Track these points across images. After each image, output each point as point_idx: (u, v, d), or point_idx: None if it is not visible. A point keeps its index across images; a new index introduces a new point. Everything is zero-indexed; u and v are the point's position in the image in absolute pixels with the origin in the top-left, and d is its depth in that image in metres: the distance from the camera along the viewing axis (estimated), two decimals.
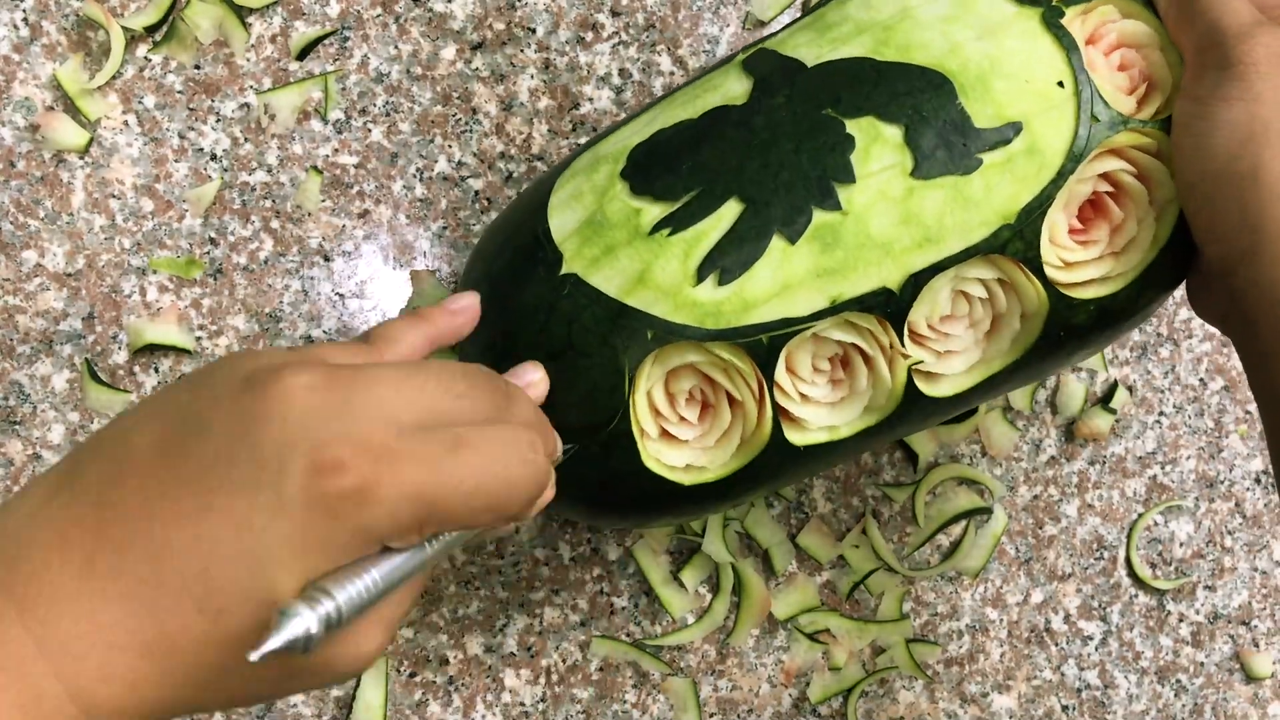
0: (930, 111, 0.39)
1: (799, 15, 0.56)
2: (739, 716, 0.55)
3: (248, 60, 0.53)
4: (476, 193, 0.54)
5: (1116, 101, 0.40)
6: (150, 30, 0.52)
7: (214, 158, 0.53)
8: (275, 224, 0.53)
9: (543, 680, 0.54)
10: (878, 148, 0.39)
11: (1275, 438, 0.39)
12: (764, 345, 0.39)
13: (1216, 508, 0.59)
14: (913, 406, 0.42)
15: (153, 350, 0.52)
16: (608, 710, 0.54)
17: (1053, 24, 0.40)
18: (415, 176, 0.54)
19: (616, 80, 0.55)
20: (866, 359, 0.41)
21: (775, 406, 0.40)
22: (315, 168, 0.53)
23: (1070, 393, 0.58)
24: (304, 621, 0.26)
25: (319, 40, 0.53)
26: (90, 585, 0.27)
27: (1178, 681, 0.59)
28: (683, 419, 0.41)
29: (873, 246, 0.39)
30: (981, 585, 0.57)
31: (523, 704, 0.54)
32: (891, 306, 0.40)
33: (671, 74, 0.55)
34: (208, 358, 0.52)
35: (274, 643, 0.26)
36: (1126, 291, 0.42)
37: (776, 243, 0.39)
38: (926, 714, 0.57)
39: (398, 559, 0.30)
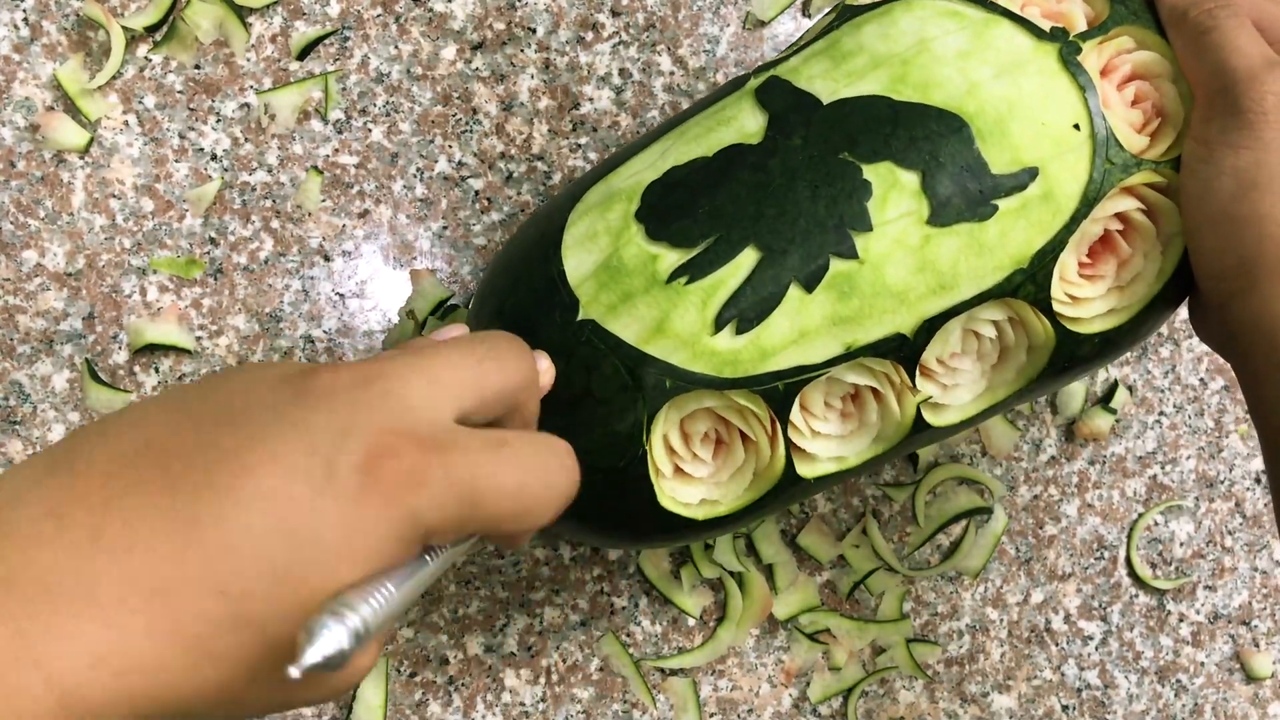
0: (947, 157, 0.39)
1: (799, 15, 0.56)
2: (739, 716, 0.55)
3: (248, 60, 0.53)
4: (477, 193, 0.54)
5: (1130, 142, 0.40)
6: (150, 30, 0.52)
7: (214, 158, 0.53)
8: (276, 224, 0.53)
9: (543, 680, 0.54)
10: (895, 194, 0.39)
11: (1272, 465, 0.40)
12: (780, 392, 0.40)
13: (1217, 507, 0.59)
14: (919, 434, 0.42)
15: (153, 350, 0.52)
16: (608, 710, 0.54)
17: (1070, 61, 0.40)
18: (415, 176, 0.54)
19: (617, 80, 0.55)
20: (877, 395, 0.42)
21: (788, 443, 0.41)
22: (315, 168, 0.53)
23: (1070, 393, 0.58)
24: (336, 637, 0.24)
25: (319, 40, 0.53)
26: (92, 564, 0.25)
27: (1178, 681, 0.59)
28: (696, 456, 0.42)
29: (888, 295, 0.39)
30: (982, 585, 0.57)
31: (523, 704, 0.54)
32: (905, 350, 0.40)
33: (671, 74, 0.55)
34: (208, 358, 0.52)
35: (313, 656, 0.24)
36: (1131, 323, 0.42)
37: (794, 291, 0.39)
38: (927, 714, 0.57)
39: (422, 570, 0.29)
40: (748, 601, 0.55)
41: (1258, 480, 0.60)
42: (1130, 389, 0.58)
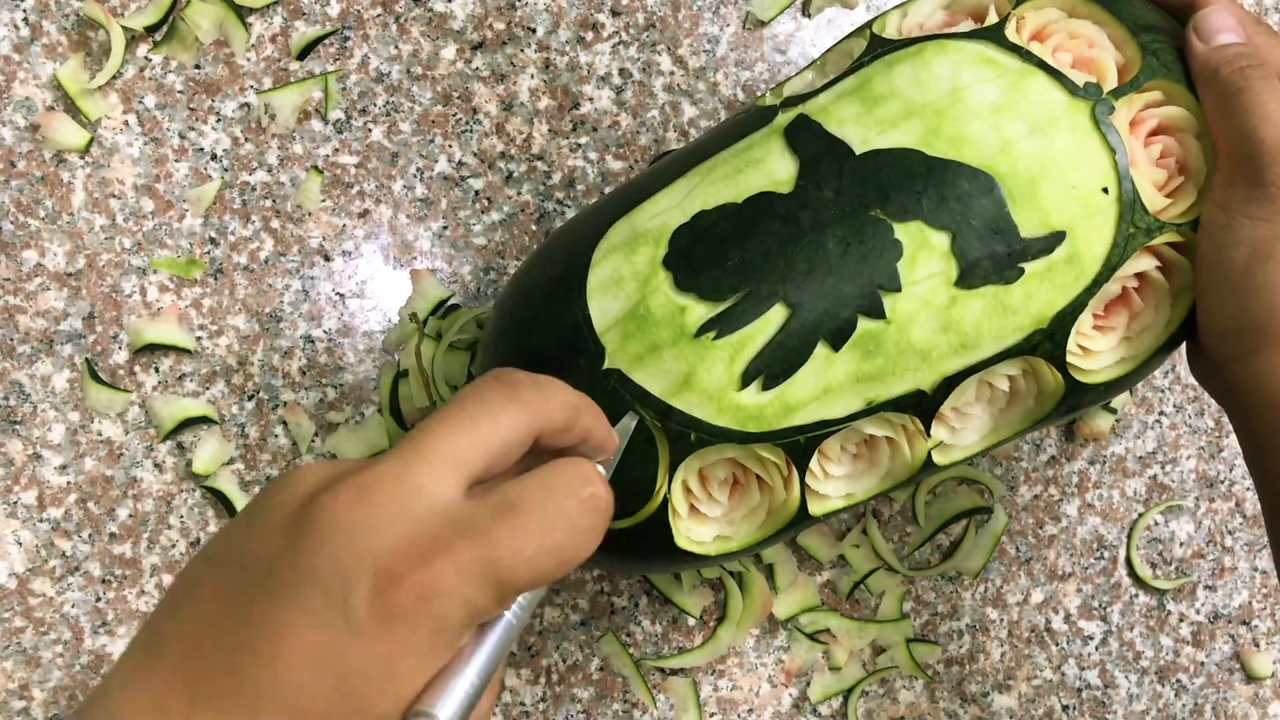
0: (978, 218, 0.39)
1: (799, 15, 0.56)
2: (739, 716, 0.55)
3: (248, 60, 0.53)
4: (477, 192, 0.54)
5: (1154, 203, 0.40)
6: (151, 30, 0.52)
7: (214, 157, 0.53)
8: (275, 224, 0.53)
9: (543, 680, 0.54)
10: (925, 255, 0.39)
11: (1272, 520, 0.41)
12: (800, 445, 0.40)
13: (1217, 507, 0.59)
14: (924, 470, 0.43)
15: (153, 350, 0.52)
16: (608, 710, 0.54)
17: (1102, 121, 0.40)
18: (415, 176, 0.54)
19: (617, 80, 0.55)
20: (890, 441, 0.42)
21: (803, 486, 0.42)
22: (316, 167, 0.53)
23: None
24: None
25: (319, 40, 0.53)
26: None
27: (1178, 681, 0.59)
28: (712, 498, 0.42)
29: (912, 353, 0.40)
30: (982, 585, 0.57)
31: (523, 704, 0.54)
32: (924, 405, 0.41)
33: (672, 73, 0.55)
34: (208, 357, 0.52)
35: None
36: (1137, 370, 0.43)
37: (820, 350, 0.39)
38: (927, 714, 0.57)
39: (487, 644, 0.29)
40: (748, 601, 0.55)
41: None
42: (1130, 389, 0.58)
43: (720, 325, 0.39)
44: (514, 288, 0.45)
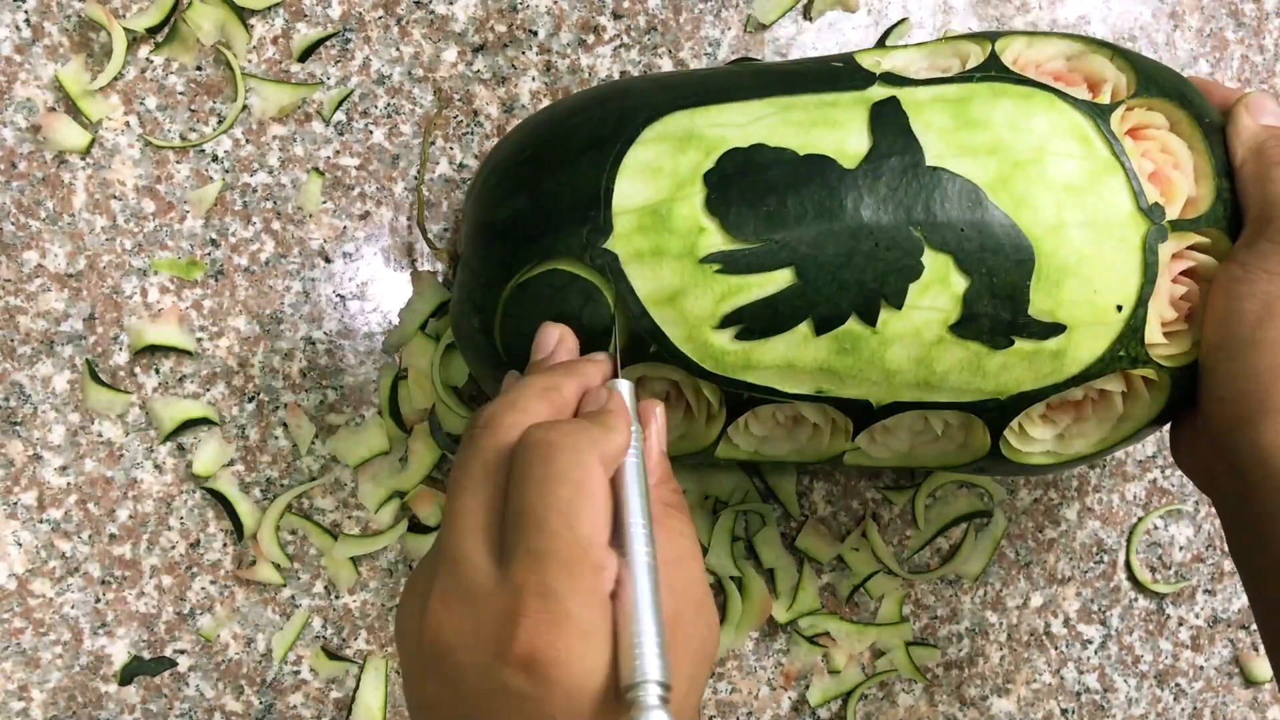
0: (1001, 279, 0.39)
1: (800, 18, 0.56)
2: (738, 719, 0.55)
3: (249, 62, 0.53)
4: None
5: (1153, 339, 0.41)
6: (152, 32, 0.52)
7: (215, 159, 0.53)
8: (276, 225, 0.53)
9: None
10: (938, 289, 0.39)
11: (1262, 606, 0.40)
12: (742, 399, 0.41)
13: (1216, 511, 0.59)
14: (829, 462, 0.45)
15: (153, 351, 0.52)
16: None
17: (1150, 247, 0.40)
18: (416, 178, 0.54)
19: None
20: (815, 427, 0.44)
21: (723, 432, 0.43)
22: (316, 169, 0.53)
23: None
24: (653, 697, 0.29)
25: (321, 42, 0.53)
26: None
27: (1177, 685, 0.59)
28: None
29: (879, 368, 0.40)
30: (981, 589, 0.57)
31: None
32: (865, 416, 0.42)
33: None
34: (209, 359, 0.52)
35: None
36: (1053, 466, 0.45)
37: (803, 327, 0.40)
38: (926, 717, 0.57)
39: (639, 588, 0.31)
40: (747, 604, 0.55)
41: None
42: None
43: (729, 261, 0.39)
44: (551, 121, 0.44)
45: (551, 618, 0.30)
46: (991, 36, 0.44)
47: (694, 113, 0.41)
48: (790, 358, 0.40)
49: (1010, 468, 0.45)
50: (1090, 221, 0.40)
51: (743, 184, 0.40)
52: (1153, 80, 0.42)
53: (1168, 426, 0.45)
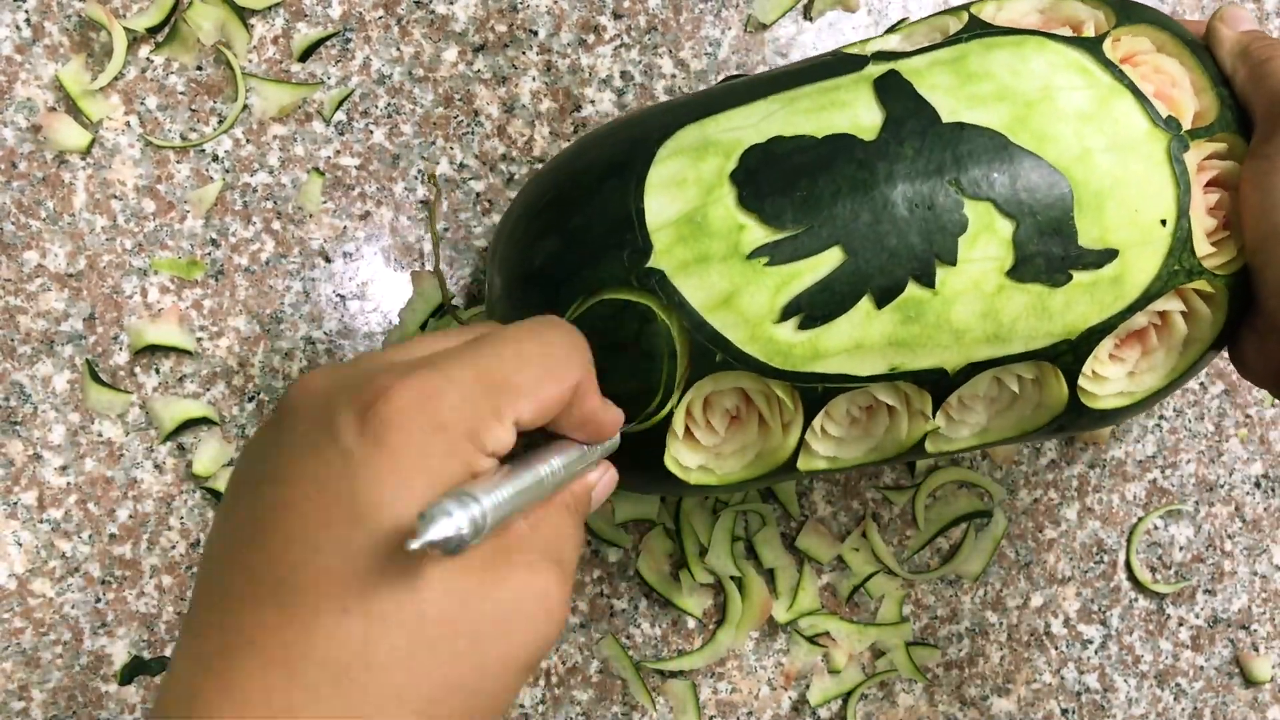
0: (1043, 216, 0.39)
1: (800, 18, 0.56)
2: (738, 719, 0.55)
3: (249, 62, 0.53)
4: (478, 194, 0.54)
5: (1201, 248, 0.41)
6: (152, 31, 0.52)
7: (215, 159, 0.53)
8: (276, 225, 0.53)
9: (542, 682, 0.54)
10: (986, 237, 0.39)
11: None
12: (817, 393, 0.40)
13: (1216, 511, 0.59)
14: (909, 453, 0.44)
15: (154, 351, 0.52)
16: (607, 712, 0.54)
17: (1176, 157, 0.40)
18: (417, 178, 0.54)
19: (618, 83, 0.55)
20: (892, 412, 0.42)
21: (801, 438, 0.41)
22: (317, 169, 0.53)
23: None
24: (452, 520, 0.26)
25: (321, 42, 0.53)
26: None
27: (1177, 685, 0.59)
28: (710, 425, 0.42)
29: (948, 330, 0.40)
30: (981, 588, 0.57)
31: (522, 705, 0.54)
32: (941, 385, 0.41)
33: (673, 76, 0.55)
34: (209, 359, 0.52)
35: (431, 534, 0.25)
36: (1130, 408, 0.44)
37: (864, 303, 0.39)
38: (926, 717, 0.57)
39: (526, 473, 0.30)
40: (747, 604, 0.55)
41: (1257, 485, 0.60)
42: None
43: (775, 252, 0.39)
44: (562, 164, 0.44)
45: (426, 384, 0.28)
46: (965, 5, 0.44)
47: (703, 123, 0.41)
48: (857, 337, 0.39)
49: (1088, 419, 0.44)
50: (1112, 145, 0.40)
51: (770, 176, 0.40)
52: (1129, 9, 0.43)
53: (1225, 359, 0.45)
